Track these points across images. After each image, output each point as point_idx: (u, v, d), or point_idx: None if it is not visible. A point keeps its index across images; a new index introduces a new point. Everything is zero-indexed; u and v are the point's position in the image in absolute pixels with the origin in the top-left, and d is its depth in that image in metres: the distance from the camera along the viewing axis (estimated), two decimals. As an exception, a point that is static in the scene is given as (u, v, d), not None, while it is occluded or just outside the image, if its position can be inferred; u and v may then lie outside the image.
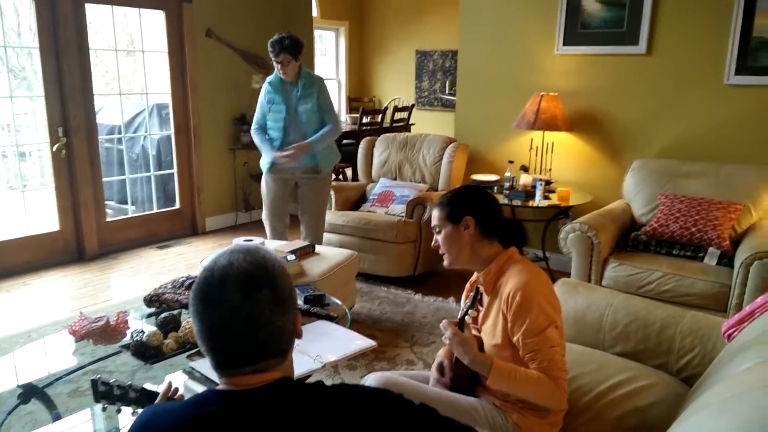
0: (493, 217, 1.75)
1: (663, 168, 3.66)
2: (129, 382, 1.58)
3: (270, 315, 0.95)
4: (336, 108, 4.00)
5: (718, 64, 3.62)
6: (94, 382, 1.61)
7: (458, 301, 3.75)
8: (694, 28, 3.68)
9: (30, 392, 1.92)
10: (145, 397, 1.53)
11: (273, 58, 3.54)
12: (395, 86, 9.07)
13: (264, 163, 3.79)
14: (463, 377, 1.75)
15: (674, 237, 3.29)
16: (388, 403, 0.98)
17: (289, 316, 0.98)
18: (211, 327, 0.94)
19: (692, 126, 3.78)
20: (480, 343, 1.74)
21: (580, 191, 4.13)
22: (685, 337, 1.92)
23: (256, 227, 5.49)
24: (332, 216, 4.17)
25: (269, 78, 3.72)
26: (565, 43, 4.14)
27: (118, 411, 1.58)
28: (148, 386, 1.57)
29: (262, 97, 3.74)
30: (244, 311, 0.93)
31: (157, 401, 1.21)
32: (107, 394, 1.59)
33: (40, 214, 4.48)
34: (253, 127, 3.80)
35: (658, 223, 3.36)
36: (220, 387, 0.98)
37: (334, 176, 6.87)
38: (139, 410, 1.56)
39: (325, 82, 3.82)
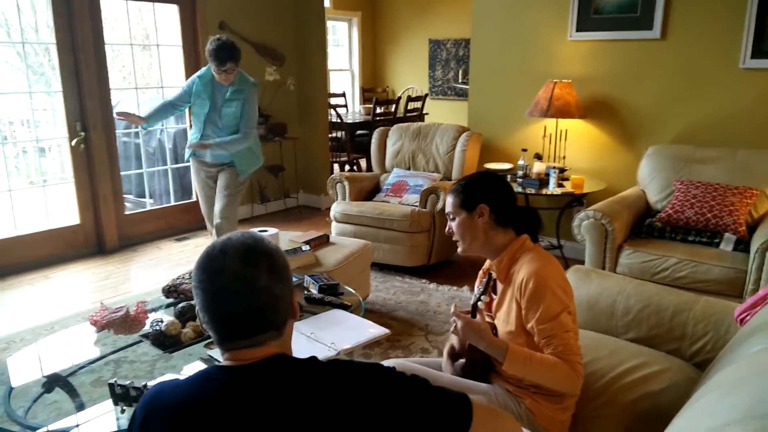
0: (508, 205, 1.75)
1: (678, 154, 3.63)
2: (144, 383, 1.63)
3: (268, 281, 0.99)
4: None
5: (734, 48, 3.58)
6: (111, 386, 1.66)
7: (472, 290, 3.76)
8: (708, 12, 3.63)
9: (54, 382, 1.98)
10: None
11: (217, 66, 3.45)
12: (408, 76, 9.05)
13: (187, 147, 3.85)
14: (475, 363, 1.77)
15: (689, 223, 3.27)
16: (379, 375, 1.00)
17: (286, 287, 1.03)
18: (213, 294, 0.99)
19: (707, 111, 3.74)
20: (494, 329, 1.75)
21: (595, 178, 4.11)
22: (698, 322, 1.93)
23: (272, 219, 5.54)
24: (346, 206, 4.20)
25: (201, 72, 3.68)
26: (578, 29, 4.11)
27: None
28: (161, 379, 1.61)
29: (188, 84, 3.70)
30: (244, 275, 0.98)
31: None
32: (124, 396, 1.64)
33: (60, 209, 4.57)
34: (164, 99, 3.83)
35: (673, 210, 3.34)
36: (222, 363, 1.02)
37: (348, 167, 6.95)
38: None
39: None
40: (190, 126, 4.22)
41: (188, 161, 3.94)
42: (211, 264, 1.00)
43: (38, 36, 4.41)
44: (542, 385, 1.62)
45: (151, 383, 1.60)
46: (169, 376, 1.64)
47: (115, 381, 1.65)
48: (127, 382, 1.62)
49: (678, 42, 3.77)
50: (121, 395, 1.64)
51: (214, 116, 3.67)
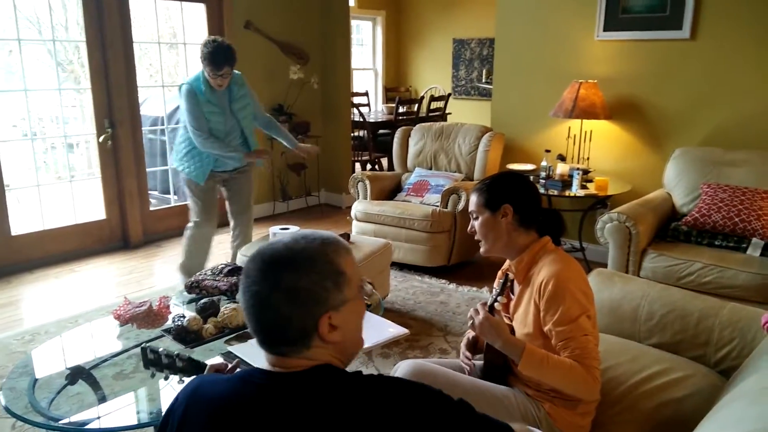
0: (532, 206, 1.73)
1: (706, 156, 3.56)
2: (176, 352, 1.64)
3: (278, 301, 0.97)
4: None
5: (765, 49, 3.49)
6: (143, 350, 1.68)
7: (492, 290, 3.74)
8: (740, 12, 3.55)
9: (77, 374, 2.01)
10: (191, 367, 1.58)
11: (213, 71, 3.20)
12: (432, 75, 9.02)
13: (202, 171, 3.48)
14: (495, 366, 1.75)
15: (716, 227, 3.21)
16: (425, 397, 0.97)
17: (302, 309, 0.98)
18: (242, 297, 1.02)
19: (737, 113, 3.66)
20: (511, 330, 1.74)
21: (619, 180, 4.05)
22: (723, 328, 1.88)
23: (293, 217, 5.57)
24: (367, 205, 4.20)
25: (193, 81, 3.30)
26: (605, 29, 4.05)
27: (166, 378, 1.64)
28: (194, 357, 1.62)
29: (194, 106, 3.28)
30: (258, 288, 0.98)
31: (205, 372, 1.28)
32: (156, 361, 1.66)
33: (87, 204, 4.65)
34: (203, 137, 3.32)
35: (700, 213, 3.28)
36: (265, 366, 1.03)
37: (370, 166, 6.95)
38: (185, 379, 1.62)
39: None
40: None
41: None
42: (246, 267, 1.02)
43: (68, 34, 4.49)
44: (557, 388, 1.60)
45: (183, 353, 1.62)
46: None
47: (148, 346, 1.67)
48: (160, 349, 1.64)
49: (708, 42, 3.70)
50: (152, 360, 1.66)
51: (233, 124, 3.45)
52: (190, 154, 3.47)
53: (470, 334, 1.87)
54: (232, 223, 3.82)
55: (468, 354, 1.84)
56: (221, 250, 4.63)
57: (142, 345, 1.72)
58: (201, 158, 3.46)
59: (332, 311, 1.00)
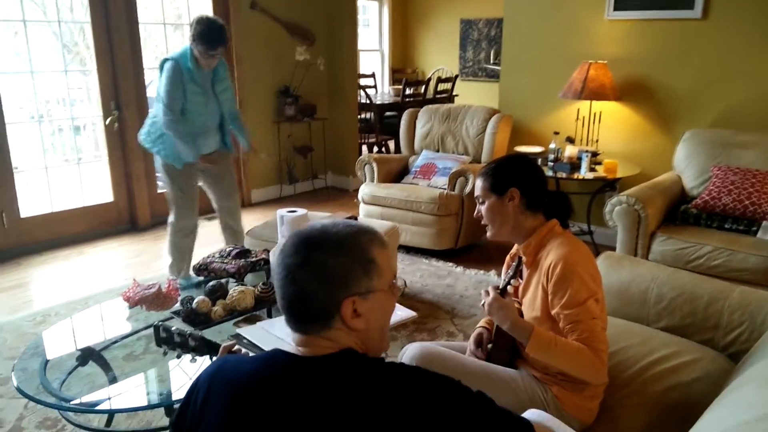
0: (539, 189, 1.72)
1: (716, 138, 3.52)
2: (189, 331, 1.66)
3: (305, 276, 1.00)
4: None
5: (780, 28, 3.43)
6: (156, 328, 1.70)
7: (499, 274, 3.74)
8: (754, -10, 3.49)
9: (88, 355, 2.03)
10: (204, 346, 1.60)
11: (207, 50, 3.04)
12: (439, 57, 8.93)
13: (179, 158, 3.26)
14: (503, 349, 1.75)
15: (726, 210, 3.18)
16: (445, 387, 0.98)
17: (327, 288, 1.00)
18: (273, 269, 1.08)
19: (749, 94, 3.61)
20: (520, 314, 1.73)
21: (628, 163, 4.02)
22: (733, 312, 1.88)
23: (300, 200, 5.57)
24: (374, 188, 4.19)
25: (178, 57, 3.11)
26: (615, 8, 3.99)
27: (178, 356, 1.65)
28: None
29: (175, 84, 3.07)
30: (287, 262, 1.02)
31: (218, 355, 1.30)
32: (168, 340, 1.67)
33: (94, 186, 4.66)
34: (171, 118, 3.10)
35: (710, 196, 3.25)
36: (289, 348, 1.05)
37: (377, 148, 6.92)
38: (197, 358, 1.64)
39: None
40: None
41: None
42: (284, 243, 1.06)
43: (73, 15, 4.46)
44: (565, 371, 1.60)
45: (195, 332, 1.63)
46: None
47: (161, 324, 1.68)
48: (173, 327, 1.65)
49: (719, 22, 3.64)
50: (164, 338, 1.67)
51: (214, 107, 3.28)
52: (165, 134, 3.23)
53: (478, 331, 1.86)
54: (218, 216, 3.64)
55: (475, 349, 1.83)
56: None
57: (155, 323, 1.73)
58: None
59: (358, 297, 1.01)
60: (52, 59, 4.40)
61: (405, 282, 2.40)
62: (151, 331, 2.14)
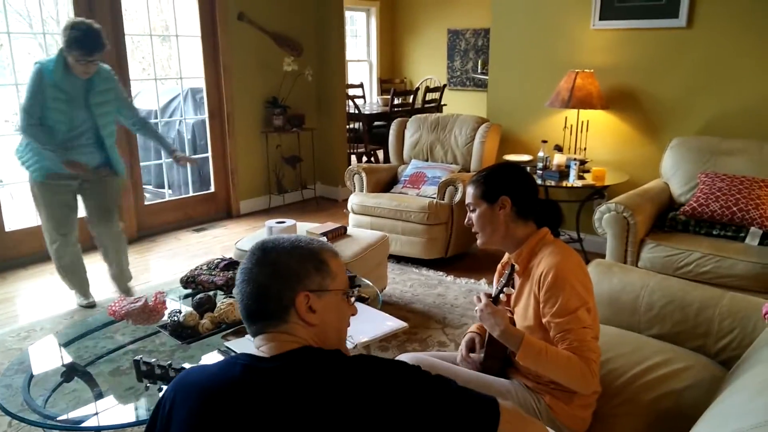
0: (530, 198, 1.71)
1: (703, 145, 3.54)
2: (169, 362, 1.63)
3: (261, 274, 1.07)
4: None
5: (763, 37, 3.47)
6: (136, 363, 1.67)
7: (490, 282, 3.73)
8: (737, 0, 3.53)
9: (73, 371, 1.99)
10: None
11: (83, 56, 2.84)
12: (427, 67, 8.97)
13: (43, 167, 3.04)
14: (495, 359, 1.74)
15: (714, 217, 3.20)
16: (404, 373, 1.00)
17: (280, 282, 1.07)
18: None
19: (734, 102, 3.65)
20: (512, 322, 1.72)
21: (617, 171, 4.04)
22: (723, 318, 1.88)
23: (289, 210, 5.54)
24: (364, 198, 4.18)
25: (44, 66, 2.91)
26: (601, 18, 4.03)
27: (160, 390, 1.63)
28: (187, 366, 1.61)
29: (35, 87, 2.88)
30: (245, 265, 1.10)
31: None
32: (149, 373, 1.65)
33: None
34: (29, 122, 2.90)
35: (698, 203, 3.27)
36: (251, 351, 1.08)
37: (365, 158, 6.92)
38: None
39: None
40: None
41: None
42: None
43: (59, 27, 4.44)
44: (555, 380, 1.58)
45: (174, 363, 1.62)
46: (187, 366, 1.66)
47: (141, 358, 1.66)
48: (152, 360, 1.63)
49: (704, 31, 3.68)
50: (145, 372, 1.65)
51: (85, 119, 3.03)
52: (32, 144, 2.99)
53: (469, 336, 1.85)
54: (96, 242, 3.40)
55: (467, 356, 1.82)
56: (216, 244, 4.60)
57: (134, 358, 1.70)
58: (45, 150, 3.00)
59: (311, 293, 1.08)
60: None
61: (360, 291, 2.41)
62: (138, 344, 2.11)
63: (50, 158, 3.00)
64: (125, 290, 3.55)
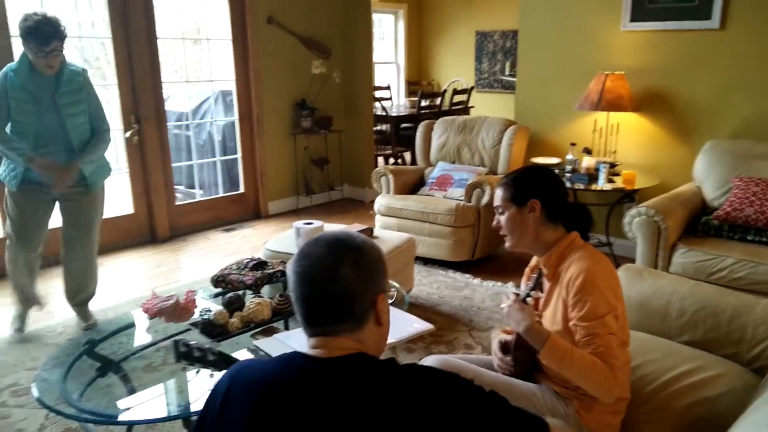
0: (559, 201, 1.70)
1: (737, 149, 3.47)
2: (208, 346, 1.66)
3: (348, 272, 1.03)
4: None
5: (802, 38, 3.39)
6: (175, 343, 1.71)
7: (517, 285, 3.70)
8: (774, 0, 3.46)
9: (107, 366, 2.05)
10: (222, 361, 1.60)
11: (40, 47, 2.65)
12: (454, 69, 8.95)
13: (13, 176, 2.87)
14: (523, 363, 1.73)
15: (749, 221, 3.13)
16: (457, 386, 1.00)
17: (368, 283, 1.05)
18: (298, 274, 1.05)
19: (770, 104, 3.57)
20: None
21: (647, 174, 3.98)
22: (758, 325, 1.84)
23: (316, 211, 5.59)
24: (391, 200, 4.19)
25: (9, 67, 2.78)
26: (632, 19, 3.97)
27: (197, 372, 1.66)
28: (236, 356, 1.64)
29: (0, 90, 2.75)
30: (326, 262, 1.04)
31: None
32: (187, 354, 1.68)
33: (115, 198, 4.72)
34: None
35: (732, 207, 3.20)
36: (305, 350, 1.07)
37: (392, 160, 6.93)
38: (216, 372, 1.64)
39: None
40: None
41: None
42: (304, 249, 1.07)
43: (94, 30, 4.55)
44: (577, 383, 1.55)
45: (214, 347, 1.64)
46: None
47: (180, 339, 1.69)
48: (192, 342, 1.66)
49: (738, 32, 3.60)
50: (183, 353, 1.68)
51: (55, 124, 2.83)
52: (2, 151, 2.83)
53: (500, 337, 1.84)
54: (62, 254, 3.15)
55: (502, 357, 1.80)
56: (245, 244, 4.66)
57: (174, 338, 1.74)
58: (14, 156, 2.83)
59: (383, 293, 1.07)
60: (74, 74, 4.49)
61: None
62: (169, 342, 2.15)
63: (15, 160, 2.83)
64: (80, 310, 3.26)
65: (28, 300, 3.20)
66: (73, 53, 4.65)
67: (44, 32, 2.63)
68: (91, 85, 2.97)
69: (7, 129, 2.82)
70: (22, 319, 3.22)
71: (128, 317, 2.39)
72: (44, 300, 3.34)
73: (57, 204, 3.07)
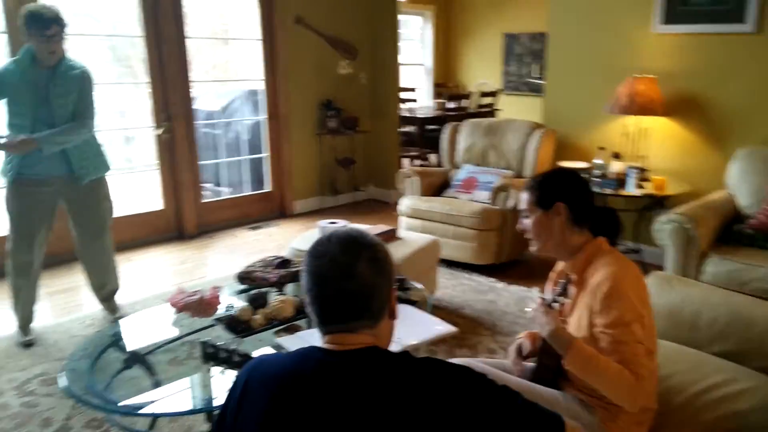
0: (586, 204, 1.67)
1: (772, 156, 3.38)
2: (234, 347, 1.68)
3: (364, 269, 1.04)
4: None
5: (843, 43, 3.30)
6: (203, 344, 1.73)
7: (542, 290, 3.66)
8: (815, 3, 3.37)
9: (133, 359, 2.08)
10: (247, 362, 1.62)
11: (40, 32, 2.70)
12: (481, 71, 8.90)
13: (9, 168, 2.88)
14: (547, 369, 1.71)
15: (784, 231, 3.05)
16: (471, 380, 1.01)
17: (384, 279, 1.07)
18: (314, 276, 1.06)
19: (809, 111, 3.47)
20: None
21: (678, 180, 3.90)
22: (792, 338, 1.78)
23: (341, 211, 5.60)
24: (416, 201, 4.18)
25: (12, 59, 2.87)
26: (663, 22, 3.90)
27: (223, 372, 1.68)
28: (255, 353, 1.66)
29: None
30: (342, 260, 1.04)
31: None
32: (214, 356, 1.70)
33: (144, 195, 4.80)
34: None
35: (766, 216, 3.12)
36: (321, 345, 1.08)
37: (418, 161, 6.92)
38: (228, 370, 1.66)
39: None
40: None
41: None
42: (316, 249, 1.08)
43: (126, 30, 4.64)
44: (601, 391, 1.52)
45: (240, 348, 1.67)
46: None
47: (208, 340, 1.72)
48: (219, 343, 1.69)
49: (777, 36, 3.52)
50: (210, 354, 1.70)
51: (46, 116, 2.84)
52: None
53: (519, 341, 1.83)
54: (80, 261, 3.21)
55: (516, 358, 1.79)
56: (271, 243, 4.69)
57: (201, 339, 1.76)
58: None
59: (395, 287, 1.10)
60: (107, 72, 4.58)
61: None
62: (195, 336, 2.18)
63: (17, 159, 2.86)
64: (107, 305, 3.33)
65: (25, 325, 3.13)
66: (106, 52, 4.74)
67: (43, 16, 2.71)
68: (88, 81, 2.96)
69: (5, 122, 2.87)
70: (24, 332, 3.12)
71: (155, 312, 2.41)
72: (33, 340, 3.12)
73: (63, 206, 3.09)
